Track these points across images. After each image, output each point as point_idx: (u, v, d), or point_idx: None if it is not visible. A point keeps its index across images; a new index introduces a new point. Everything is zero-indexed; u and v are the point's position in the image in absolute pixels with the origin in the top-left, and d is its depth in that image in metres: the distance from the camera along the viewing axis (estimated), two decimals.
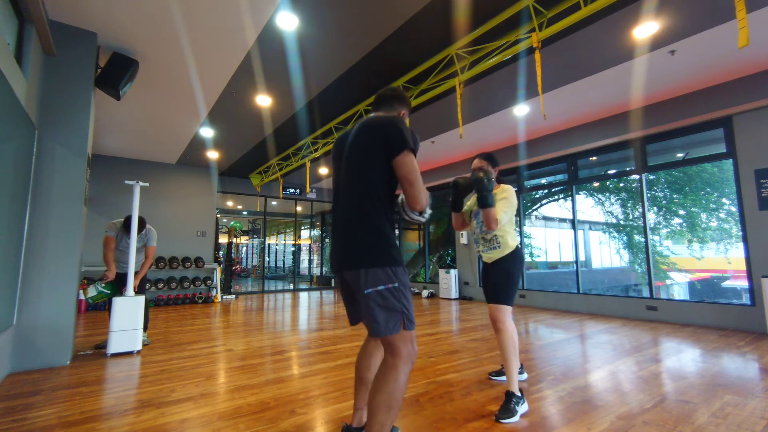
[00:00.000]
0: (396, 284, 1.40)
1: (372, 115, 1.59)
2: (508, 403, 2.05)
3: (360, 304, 1.44)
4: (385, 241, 1.42)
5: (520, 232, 7.32)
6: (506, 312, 2.25)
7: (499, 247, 2.36)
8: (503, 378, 2.65)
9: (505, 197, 2.29)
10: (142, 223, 3.93)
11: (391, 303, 1.38)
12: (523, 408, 2.08)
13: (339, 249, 1.49)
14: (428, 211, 1.55)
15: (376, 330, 1.39)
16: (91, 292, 3.69)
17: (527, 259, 7.30)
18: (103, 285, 3.74)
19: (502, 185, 2.40)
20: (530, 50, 3.75)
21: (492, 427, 1.92)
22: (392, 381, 1.37)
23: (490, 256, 2.40)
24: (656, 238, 8.31)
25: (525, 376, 2.70)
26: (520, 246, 2.40)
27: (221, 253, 9.61)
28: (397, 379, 1.37)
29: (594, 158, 6.39)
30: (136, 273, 3.88)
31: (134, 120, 5.75)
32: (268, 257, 16.13)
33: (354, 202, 1.46)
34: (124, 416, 2.13)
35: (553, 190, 8.91)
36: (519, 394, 2.10)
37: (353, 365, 3.07)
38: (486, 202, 2.15)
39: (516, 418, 1.99)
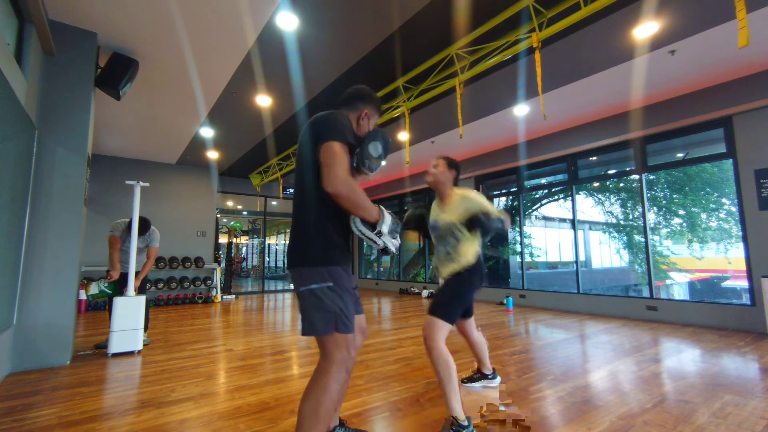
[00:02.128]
0: (330, 284, 1.34)
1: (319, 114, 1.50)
2: (446, 430, 1.76)
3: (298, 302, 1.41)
4: (324, 241, 1.38)
5: (520, 232, 7.31)
6: (436, 328, 1.89)
7: (456, 260, 2.11)
8: (474, 385, 2.51)
9: (472, 197, 2.07)
10: (146, 224, 3.94)
11: (323, 303, 1.33)
12: None
13: (289, 245, 1.46)
14: (385, 234, 1.38)
15: (305, 330, 1.35)
16: (93, 289, 3.69)
17: (527, 259, 7.28)
18: (105, 284, 3.74)
19: (458, 191, 2.16)
20: (530, 50, 3.75)
21: (492, 427, 1.92)
22: (322, 387, 1.30)
23: (446, 270, 2.14)
24: (656, 238, 8.30)
25: (498, 379, 2.54)
26: (480, 262, 2.11)
27: (221, 253, 9.61)
28: (327, 386, 1.30)
29: (594, 158, 6.39)
30: (137, 273, 3.88)
31: (134, 120, 5.75)
32: (268, 257, 16.15)
33: (300, 201, 1.44)
34: (124, 416, 2.13)
35: (553, 190, 8.90)
36: (463, 421, 1.74)
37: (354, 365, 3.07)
38: (489, 225, 1.96)
39: None
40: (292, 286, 1.55)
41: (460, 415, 1.76)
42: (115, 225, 3.89)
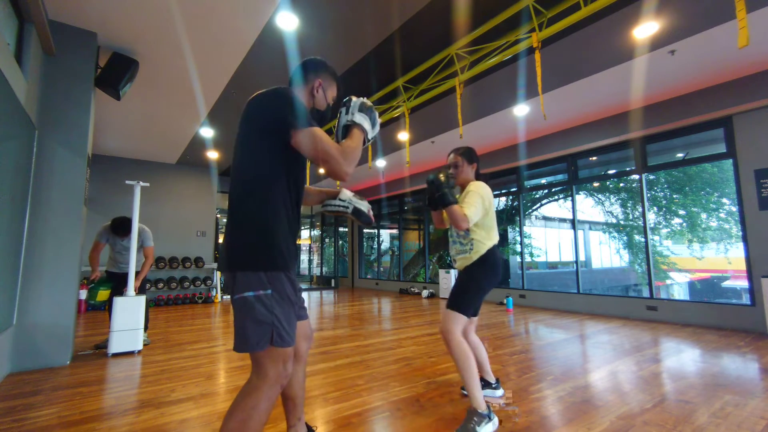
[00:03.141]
0: (269, 291, 1.18)
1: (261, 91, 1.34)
2: (468, 421, 1.79)
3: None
4: (265, 241, 1.21)
5: (520, 232, 7.31)
6: (454, 320, 1.94)
7: (471, 251, 2.07)
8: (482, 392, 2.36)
9: (472, 190, 2.05)
10: (129, 225, 3.78)
11: (259, 313, 1.16)
12: (487, 427, 1.79)
13: (224, 244, 1.28)
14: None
15: (237, 344, 1.19)
16: (90, 294, 3.71)
17: (527, 259, 7.28)
18: (92, 287, 3.72)
19: (474, 182, 2.16)
20: (530, 50, 3.75)
21: None
22: (250, 407, 1.14)
23: (461, 263, 2.12)
24: (656, 238, 8.31)
25: (501, 392, 2.34)
26: (494, 250, 2.08)
27: None
28: (256, 406, 1.15)
29: (594, 158, 6.39)
30: (136, 274, 3.87)
31: (134, 120, 5.75)
32: None
33: (238, 193, 1.25)
34: (124, 416, 2.13)
35: (553, 190, 8.91)
36: (483, 411, 1.82)
37: (353, 365, 3.07)
38: (444, 200, 1.94)
39: None
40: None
41: (481, 405, 1.82)
42: (99, 230, 3.84)
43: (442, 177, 1.99)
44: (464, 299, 2.00)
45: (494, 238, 2.11)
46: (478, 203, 2.01)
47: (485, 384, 2.34)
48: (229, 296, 8.08)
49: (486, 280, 2.04)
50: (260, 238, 1.21)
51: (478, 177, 2.27)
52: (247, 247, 1.21)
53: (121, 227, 3.76)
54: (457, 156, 2.24)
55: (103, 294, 3.74)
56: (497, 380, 2.37)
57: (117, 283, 3.87)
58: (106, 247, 3.92)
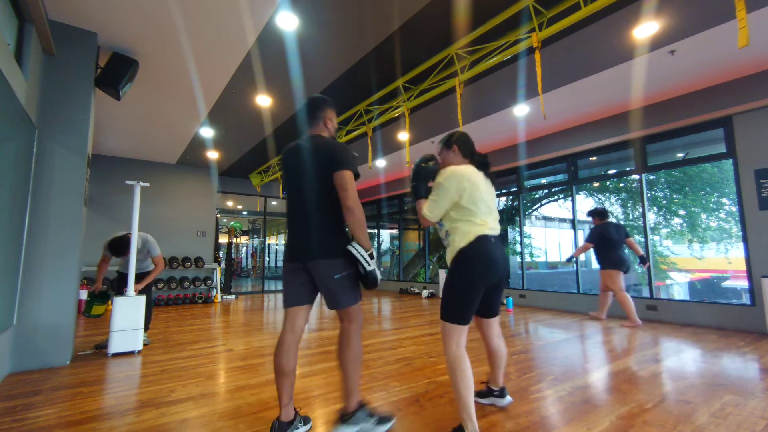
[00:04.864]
0: (350, 271, 1.81)
1: (323, 139, 1.88)
2: None
3: (326, 287, 1.79)
4: (345, 238, 1.83)
5: (520, 232, 7.30)
6: (446, 332, 1.78)
7: (449, 244, 1.91)
8: (482, 401, 2.22)
9: (436, 181, 1.86)
10: (125, 245, 3.71)
11: (352, 282, 1.83)
12: None
13: (305, 242, 1.81)
14: (374, 260, 1.79)
15: (344, 302, 1.80)
16: (85, 308, 3.80)
17: (527, 258, 7.27)
18: (88, 300, 3.80)
19: (444, 169, 1.91)
20: (530, 50, 3.75)
21: (492, 428, 1.92)
22: (355, 341, 1.82)
23: (447, 259, 1.96)
24: (656, 238, 8.32)
25: (507, 400, 2.17)
26: (477, 240, 1.80)
27: (221, 253, 9.61)
28: (358, 339, 1.84)
29: (594, 158, 6.39)
30: (142, 277, 3.89)
31: (134, 120, 5.75)
32: (268, 257, 16.12)
33: (318, 205, 1.81)
34: (124, 416, 2.13)
35: (553, 190, 8.91)
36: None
37: None
38: (414, 192, 1.93)
39: None
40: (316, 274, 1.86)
41: (468, 427, 1.68)
42: (104, 243, 3.78)
43: (421, 165, 1.96)
44: (450, 306, 1.82)
45: (478, 226, 1.83)
46: (439, 197, 1.83)
47: (488, 392, 2.22)
48: (228, 293, 7.99)
49: (469, 275, 1.78)
50: (343, 236, 1.84)
51: (473, 160, 2.03)
52: (335, 241, 1.80)
53: (117, 248, 3.69)
54: (438, 145, 2.16)
55: (98, 309, 3.82)
56: (502, 388, 2.19)
57: (119, 283, 3.92)
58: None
